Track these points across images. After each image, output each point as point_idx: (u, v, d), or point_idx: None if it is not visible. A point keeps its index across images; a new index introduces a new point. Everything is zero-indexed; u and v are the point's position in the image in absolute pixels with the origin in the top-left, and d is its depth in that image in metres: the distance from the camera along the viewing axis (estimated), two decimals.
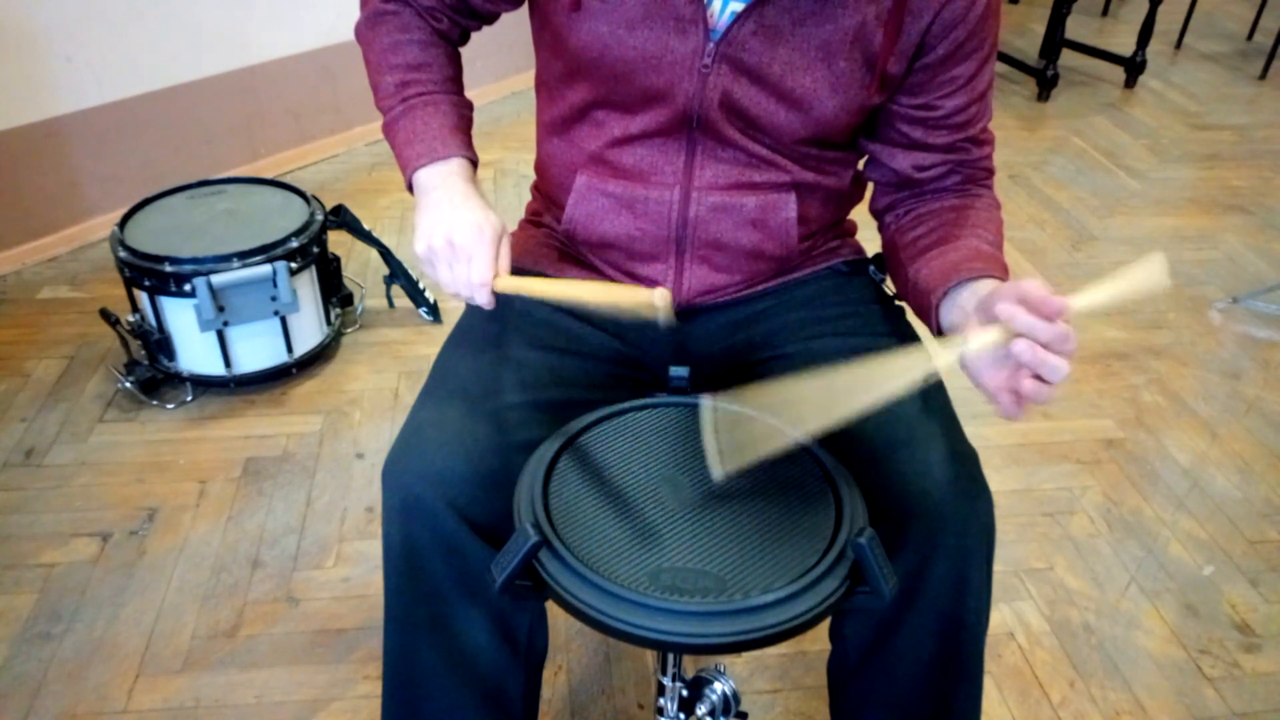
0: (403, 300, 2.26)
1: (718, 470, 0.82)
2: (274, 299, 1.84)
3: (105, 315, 1.91)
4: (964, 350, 0.77)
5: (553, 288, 0.91)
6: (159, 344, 1.87)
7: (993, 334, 0.76)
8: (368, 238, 2.18)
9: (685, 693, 0.98)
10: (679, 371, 0.98)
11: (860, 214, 1.13)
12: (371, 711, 1.34)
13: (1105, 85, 3.88)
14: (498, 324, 1.02)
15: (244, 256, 1.79)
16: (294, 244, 1.85)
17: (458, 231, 0.88)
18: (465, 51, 1.07)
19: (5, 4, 2.16)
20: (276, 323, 1.90)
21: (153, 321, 1.87)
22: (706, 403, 0.90)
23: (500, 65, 3.49)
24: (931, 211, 1.00)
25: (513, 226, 1.08)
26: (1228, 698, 1.40)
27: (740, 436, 0.83)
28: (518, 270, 1.06)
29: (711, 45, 0.90)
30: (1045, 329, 0.72)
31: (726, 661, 1.35)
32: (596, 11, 0.91)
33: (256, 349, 1.91)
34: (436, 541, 0.88)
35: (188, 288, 1.76)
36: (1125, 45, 4.06)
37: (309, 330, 1.99)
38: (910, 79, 0.94)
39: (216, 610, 1.49)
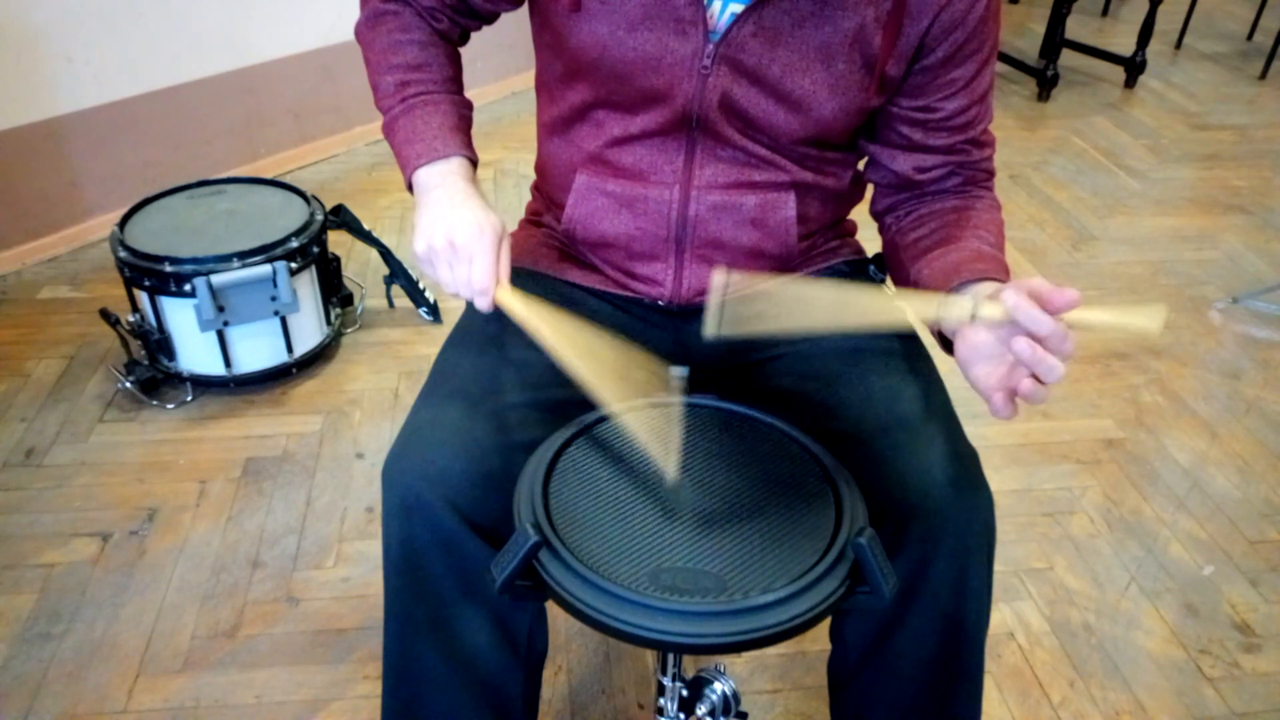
0: (403, 300, 2.26)
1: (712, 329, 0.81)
2: (274, 299, 1.84)
3: (105, 315, 1.91)
4: (976, 312, 0.77)
5: (553, 337, 0.86)
6: (159, 344, 1.87)
7: (999, 309, 0.76)
8: (368, 238, 2.18)
9: (685, 693, 0.98)
10: (679, 371, 0.98)
11: (860, 214, 1.13)
12: (371, 711, 1.34)
13: (1105, 85, 3.88)
14: (498, 324, 1.01)
15: (244, 256, 1.79)
16: (294, 244, 1.85)
17: (458, 231, 0.88)
18: (465, 51, 1.07)
19: (5, 4, 2.16)
20: (276, 323, 1.90)
21: (153, 321, 1.87)
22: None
23: (500, 65, 3.49)
24: (932, 213, 1.00)
25: (513, 226, 1.08)
26: (1228, 698, 1.40)
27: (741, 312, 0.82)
28: (517, 270, 1.06)
29: (711, 46, 0.91)
30: (1047, 323, 0.72)
31: (726, 661, 1.35)
32: (596, 12, 0.91)
33: (256, 349, 1.91)
34: (436, 541, 0.88)
35: (188, 288, 1.76)
36: (1125, 45, 4.06)
37: (309, 330, 1.99)
38: (910, 81, 0.94)
39: (216, 610, 1.49)
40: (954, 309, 0.77)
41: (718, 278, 0.77)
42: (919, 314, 0.78)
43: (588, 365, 0.85)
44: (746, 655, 1.44)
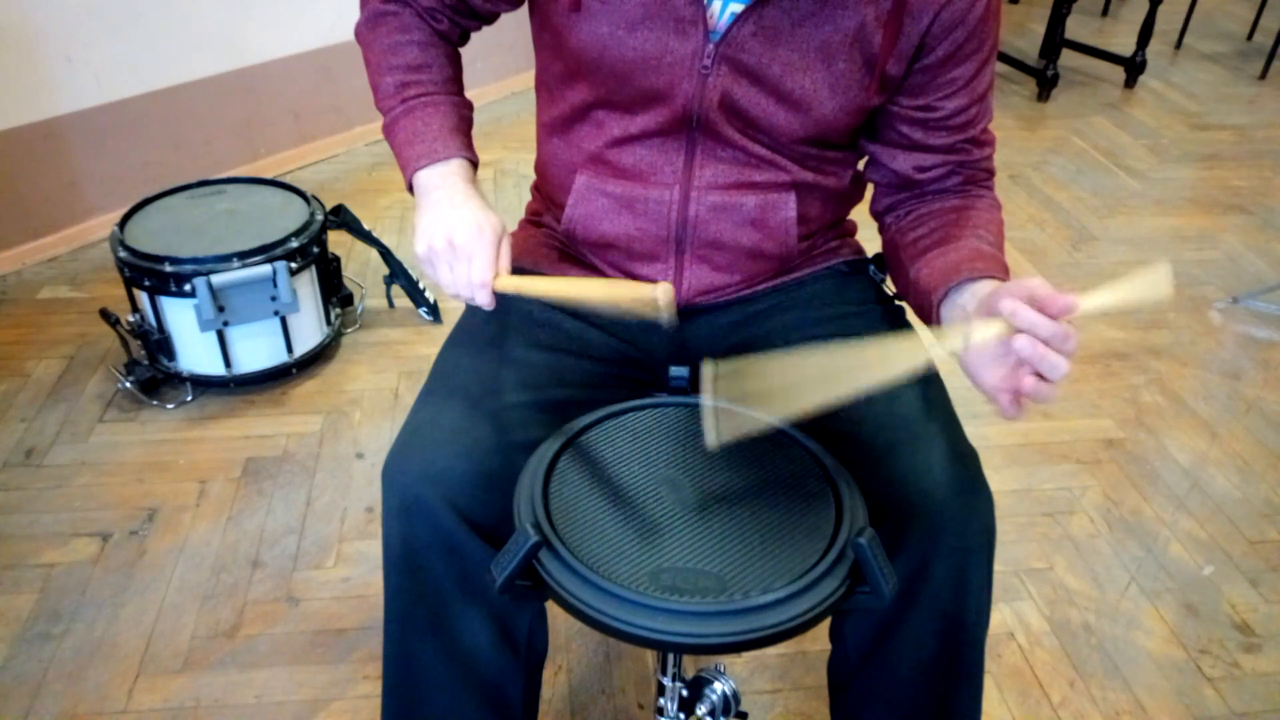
0: (403, 300, 2.26)
1: (713, 439, 0.81)
2: (274, 299, 1.84)
3: (105, 315, 1.91)
4: (967, 340, 0.77)
5: (553, 286, 0.91)
6: (159, 344, 1.87)
7: (995, 327, 0.76)
8: (368, 238, 2.18)
9: (685, 693, 0.98)
10: (679, 371, 0.98)
11: (860, 214, 1.13)
12: (371, 711, 1.34)
13: (1105, 85, 3.88)
14: (498, 324, 1.02)
15: (244, 256, 1.79)
16: (294, 244, 1.85)
17: (458, 232, 0.88)
18: (465, 51, 1.07)
19: (5, 4, 2.16)
20: (276, 323, 1.90)
21: (153, 321, 1.87)
22: (707, 403, 0.90)
23: (500, 65, 3.49)
24: (932, 212, 1.00)
25: (513, 226, 1.08)
26: (1228, 698, 1.40)
27: (736, 423, 0.83)
28: (518, 270, 1.06)
29: (711, 46, 0.91)
30: (1046, 325, 0.72)
31: (726, 661, 1.35)
32: (596, 12, 0.91)
33: (256, 349, 1.91)
34: (436, 541, 0.88)
35: (188, 288, 1.76)
36: (1125, 45, 4.06)
37: (309, 330, 1.99)
38: (910, 80, 0.94)
39: (216, 610, 1.49)
40: (948, 342, 0.77)
41: (706, 373, 0.78)
42: (915, 358, 0.78)
43: (588, 293, 0.89)
44: (746, 655, 1.44)
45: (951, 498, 0.88)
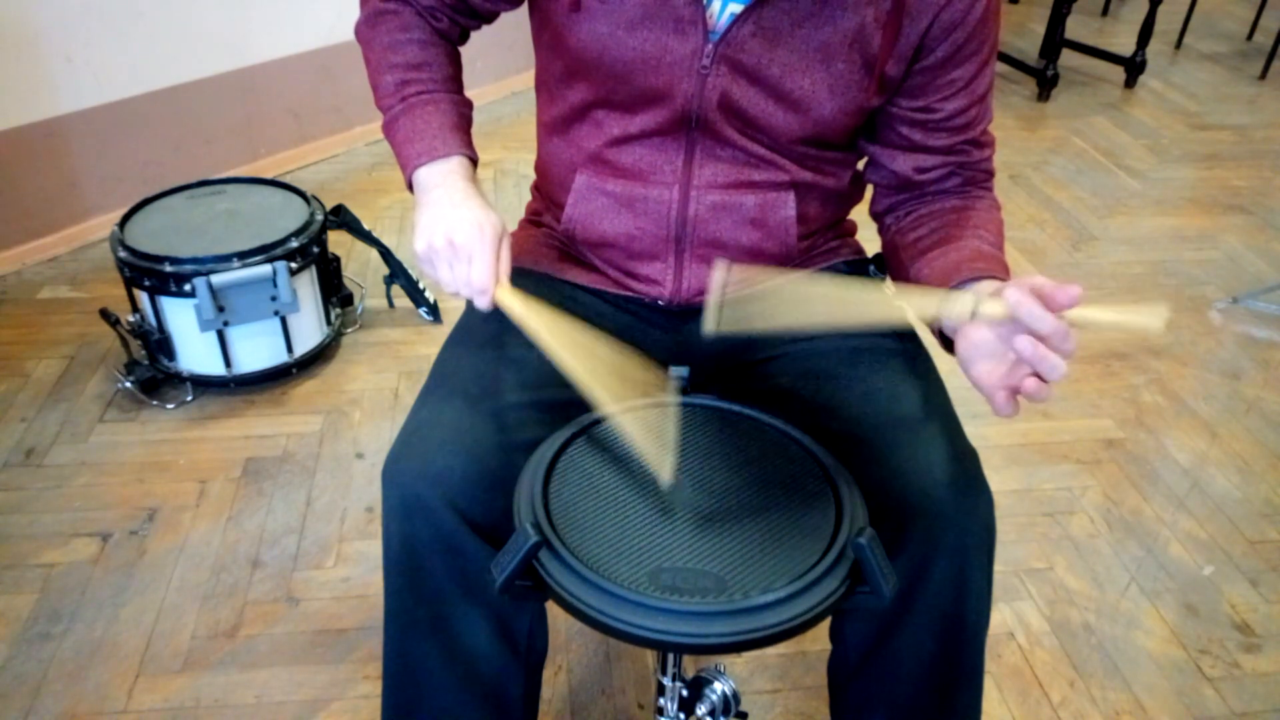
0: (403, 300, 2.26)
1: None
2: (274, 299, 1.84)
3: (105, 315, 1.91)
4: (976, 309, 0.77)
5: (551, 340, 0.86)
6: (159, 344, 1.87)
7: (1001, 305, 0.76)
8: (368, 238, 2.18)
9: (685, 693, 0.98)
10: (679, 371, 0.98)
11: (860, 214, 1.13)
12: (371, 711, 1.34)
13: (1105, 85, 3.88)
14: (498, 323, 1.01)
15: (244, 256, 1.79)
16: (294, 244, 1.85)
17: (458, 230, 0.88)
18: (465, 51, 1.07)
19: (5, 4, 2.16)
20: (276, 323, 1.90)
21: (153, 321, 1.87)
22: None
23: (500, 65, 3.49)
24: (932, 213, 1.00)
25: (513, 226, 1.08)
26: (1228, 698, 1.40)
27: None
28: (517, 270, 1.06)
29: (710, 46, 0.91)
30: (1049, 321, 0.72)
31: (726, 661, 1.35)
32: (596, 12, 0.91)
33: (256, 349, 1.91)
34: (436, 541, 0.88)
35: (188, 288, 1.76)
36: (1125, 45, 4.06)
37: (309, 330, 1.99)
38: (909, 81, 0.94)
39: (216, 610, 1.49)
40: (955, 305, 0.77)
41: (718, 273, 0.78)
42: (920, 311, 0.79)
43: (585, 366, 0.85)
44: (746, 655, 1.44)
45: (951, 497, 0.88)
